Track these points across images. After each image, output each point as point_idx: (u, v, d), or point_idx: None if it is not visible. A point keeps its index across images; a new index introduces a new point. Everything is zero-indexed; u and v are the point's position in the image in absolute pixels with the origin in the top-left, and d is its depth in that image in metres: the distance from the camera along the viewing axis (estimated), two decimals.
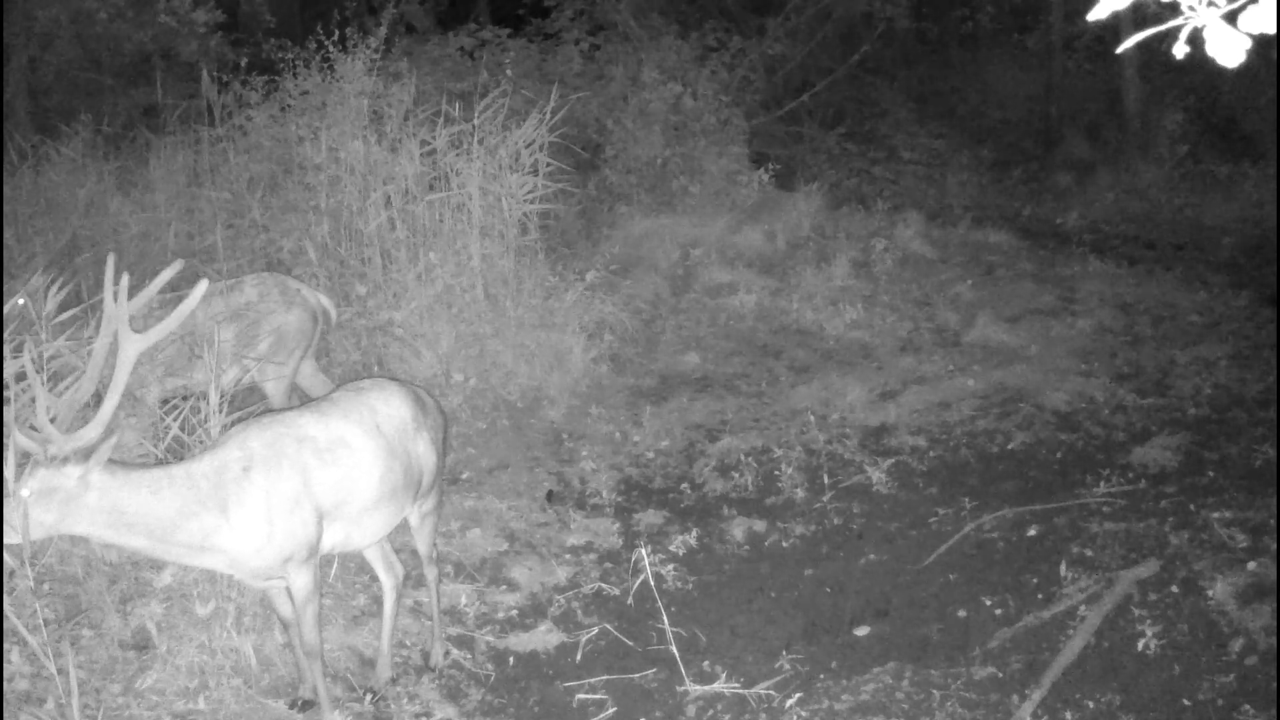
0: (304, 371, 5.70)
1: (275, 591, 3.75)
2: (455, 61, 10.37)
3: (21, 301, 4.46)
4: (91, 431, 3.21)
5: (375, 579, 4.39)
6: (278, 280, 5.53)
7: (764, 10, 13.28)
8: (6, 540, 3.21)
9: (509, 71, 8.56)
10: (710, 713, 4.06)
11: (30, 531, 3.21)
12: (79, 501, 3.22)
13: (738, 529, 5.43)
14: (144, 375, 5.00)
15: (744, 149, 10.78)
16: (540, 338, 7.20)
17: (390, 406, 3.94)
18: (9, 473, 3.14)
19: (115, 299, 3.37)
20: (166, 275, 3.40)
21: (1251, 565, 4.50)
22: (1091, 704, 3.85)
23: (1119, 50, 2.08)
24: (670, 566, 5.07)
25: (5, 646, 3.75)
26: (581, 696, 4.21)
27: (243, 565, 3.54)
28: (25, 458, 3.23)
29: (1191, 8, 1.70)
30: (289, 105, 7.90)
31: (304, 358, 5.60)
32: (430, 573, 4.37)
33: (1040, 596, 4.59)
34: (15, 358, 4.26)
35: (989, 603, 4.61)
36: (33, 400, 4.03)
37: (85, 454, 3.21)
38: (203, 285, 3.44)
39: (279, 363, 5.42)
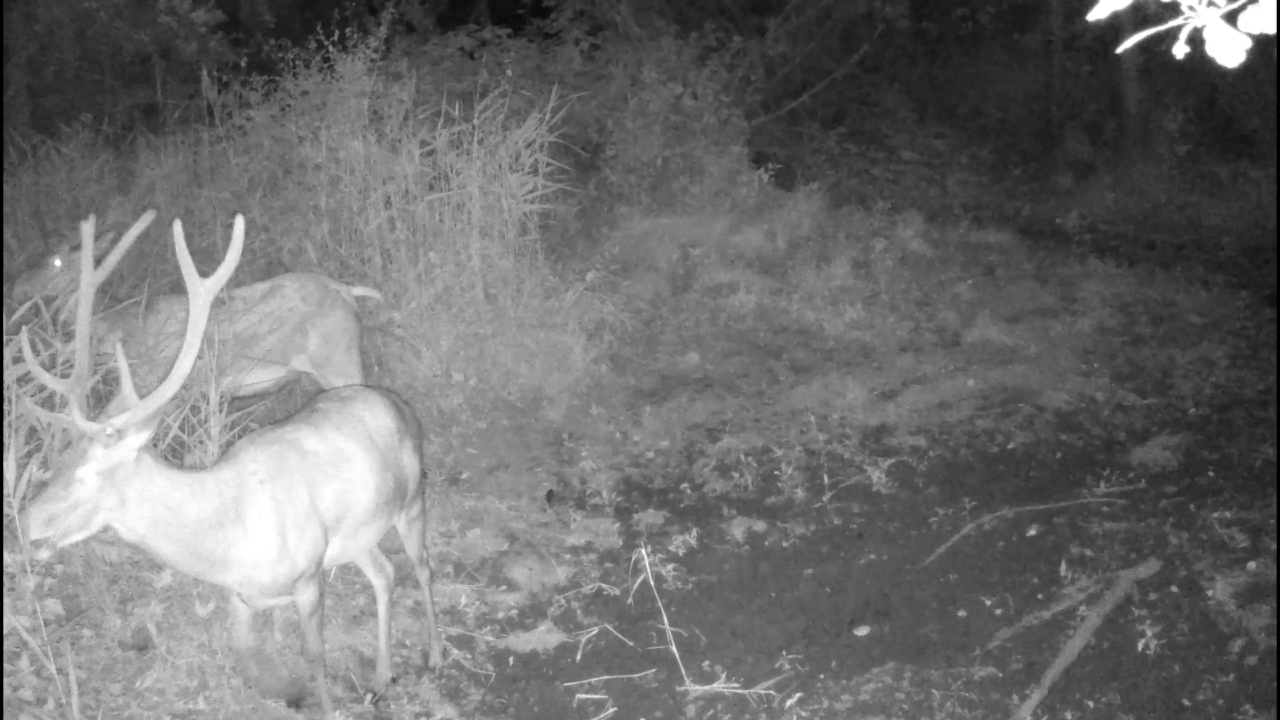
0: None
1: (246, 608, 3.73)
2: (455, 61, 10.36)
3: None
4: (169, 389, 3.12)
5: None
6: (318, 282, 5.58)
7: (764, 10, 13.28)
8: (63, 542, 3.10)
9: (509, 71, 8.57)
10: (710, 713, 4.06)
11: (86, 522, 3.07)
12: (132, 484, 3.13)
13: (738, 529, 5.43)
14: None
15: (744, 149, 10.77)
16: (540, 338, 7.20)
17: (377, 418, 3.96)
18: (9, 475, 3.10)
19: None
20: (139, 227, 3.26)
21: (1251, 565, 4.50)
22: (1091, 704, 3.85)
23: (1119, 50, 2.08)
24: (670, 566, 5.07)
25: (8, 649, 3.75)
26: (581, 696, 4.21)
27: (256, 580, 3.50)
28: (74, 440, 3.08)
29: (1191, 8, 1.70)
30: (289, 105, 7.90)
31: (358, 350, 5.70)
32: (423, 574, 4.36)
33: (1040, 596, 4.59)
34: (18, 361, 4.26)
35: (989, 603, 4.60)
36: (40, 390, 4.03)
37: (145, 423, 3.12)
38: (240, 224, 3.26)
39: (339, 361, 5.48)
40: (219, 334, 5.12)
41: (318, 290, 5.49)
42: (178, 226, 3.23)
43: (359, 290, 5.82)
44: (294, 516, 3.51)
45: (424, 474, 5.68)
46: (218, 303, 5.26)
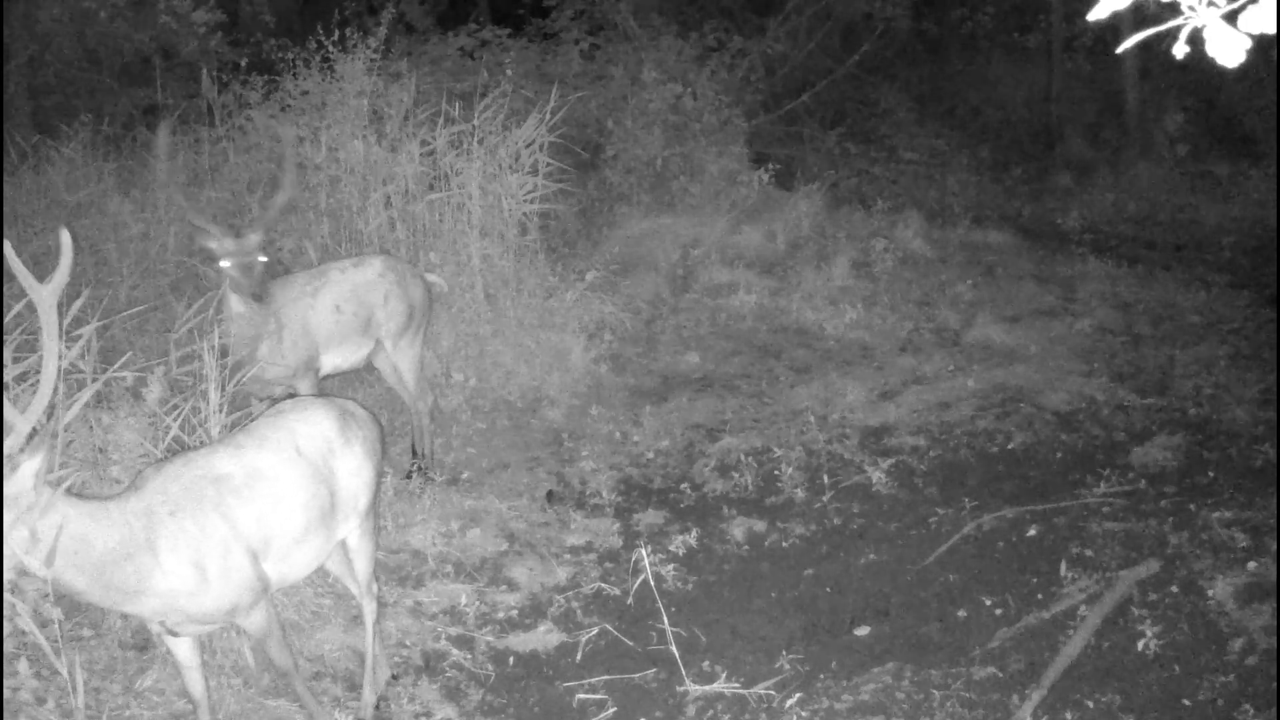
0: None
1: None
2: (455, 61, 10.36)
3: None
4: (40, 401, 2.94)
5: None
6: (399, 260, 5.90)
7: (764, 10, 13.29)
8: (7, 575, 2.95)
9: (509, 71, 8.57)
10: (710, 713, 4.07)
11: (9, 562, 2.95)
12: (33, 515, 2.94)
13: (738, 529, 5.43)
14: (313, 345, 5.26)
15: (744, 149, 10.77)
16: (540, 338, 7.20)
17: (310, 425, 3.71)
18: (7, 472, 3.07)
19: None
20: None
21: (1251, 565, 4.50)
22: (1091, 704, 3.85)
23: (1119, 50, 2.08)
24: (670, 566, 5.07)
25: (11, 651, 3.75)
26: (581, 696, 4.21)
27: (179, 609, 3.30)
28: None
29: (1191, 8, 1.70)
30: (289, 105, 7.90)
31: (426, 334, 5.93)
32: (368, 607, 4.06)
33: (1040, 596, 4.59)
34: (19, 359, 4.26)
35: (989, 603, 4.61)
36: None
37: (35, 447, 2.92)
38: (65, 236, 3.16)
39: (407, 341, 5.69)
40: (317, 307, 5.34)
41: (400, 266, 5.77)
42: (7, 247, 3.11)
43: (431, 277, 6.03)
44: (211, 548, 3.30)
45: (427, 472, 5.73)
46: (314, 274, 5.49)
